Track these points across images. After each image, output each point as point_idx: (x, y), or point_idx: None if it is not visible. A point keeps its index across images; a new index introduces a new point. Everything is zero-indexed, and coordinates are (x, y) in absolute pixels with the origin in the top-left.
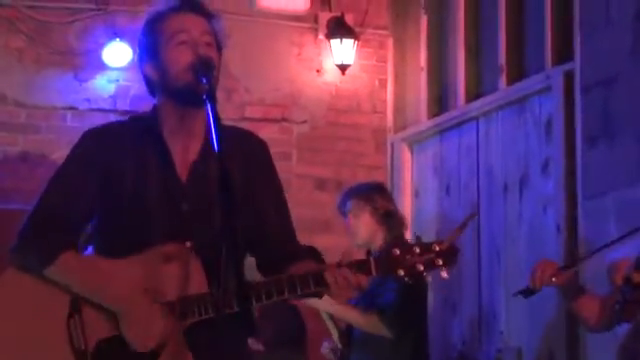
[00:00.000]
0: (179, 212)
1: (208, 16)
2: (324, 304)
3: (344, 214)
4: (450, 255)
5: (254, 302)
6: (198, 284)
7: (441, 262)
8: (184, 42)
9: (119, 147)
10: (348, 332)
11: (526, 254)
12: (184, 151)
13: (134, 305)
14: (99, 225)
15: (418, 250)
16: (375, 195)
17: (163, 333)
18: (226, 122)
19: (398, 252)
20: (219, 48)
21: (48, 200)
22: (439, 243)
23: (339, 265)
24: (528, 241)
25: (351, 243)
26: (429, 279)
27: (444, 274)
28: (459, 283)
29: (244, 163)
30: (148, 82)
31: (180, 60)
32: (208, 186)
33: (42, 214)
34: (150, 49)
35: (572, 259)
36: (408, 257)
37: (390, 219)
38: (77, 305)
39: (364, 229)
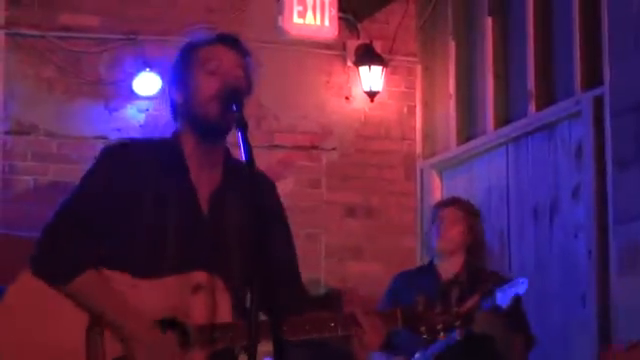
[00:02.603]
0: (198, 240)
1: (243, 52)
2: None
3: (440, 216)
4: (467, 319)
5: (289, 337)
6: (223, 314)
7: (458, 324)
8: (214, 72)
9: (138, 167)
10: None
11: (557, 280)
12: (205, 181)
13: (147, 338)
14: (112, 241)
15: (439, 309)
16: (479, 219)
17: None
18: (254, 149)
19: (421, 309)
20: (249, 86)
21: (69, 212)
22: (459, 305)
23: (367, 312)
24: (559, 267)
25: (434, 246)
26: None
27: (457, 336)
28: None
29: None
30: (173, 106)
31: (207, 88)
32: (228, 218)
33: (63, 225)
34: (180, 74)
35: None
36: (430, 315)
37: (476, 248)
38: (99, 318)
39: (455, 239)
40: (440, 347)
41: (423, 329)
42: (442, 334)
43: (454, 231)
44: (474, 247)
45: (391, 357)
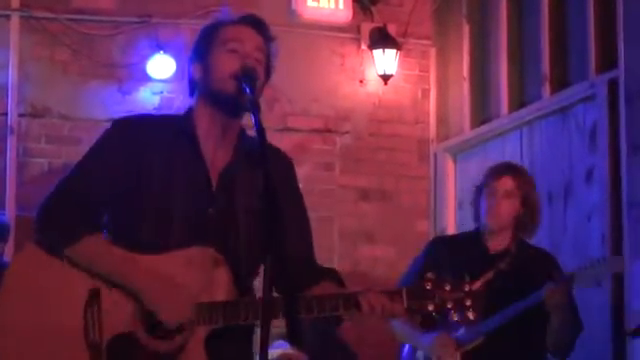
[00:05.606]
0: (204, 216)
1: (266, 36)
2: None
3: (492, 187)
4: (480, 297)
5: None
6: (225, 292)
7: (469, 303)
8: (235, 51)
9: (150, 141)
10: None
11: (571, 263)
12: (215, 156)
13: (160, 279)
14: (117, 215)
15: (449, 287)
16: (534, 188)
17: (192, 306)
18: (267, 132)
19: (429, 286)
20: (268, 71)
21: (74, 179)
22: (470, 283)
23: (373, 291)
24: (573, 250)
25: (486, 223)
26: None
27: (470, 315)
28: None
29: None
30: (191, 81)
31: (226, 66)
32: (236, 193)
33: (68, 192)
34: (201, 50)
35: None
36: (438, 292)
37: (528, 221)
38: (96, 295)
39: (508, 214)
40: (498, 321)
41: (431, 307)
42: (453, 313)
43: (507, 205)
44: (526, 219)
45: (424, 334)
